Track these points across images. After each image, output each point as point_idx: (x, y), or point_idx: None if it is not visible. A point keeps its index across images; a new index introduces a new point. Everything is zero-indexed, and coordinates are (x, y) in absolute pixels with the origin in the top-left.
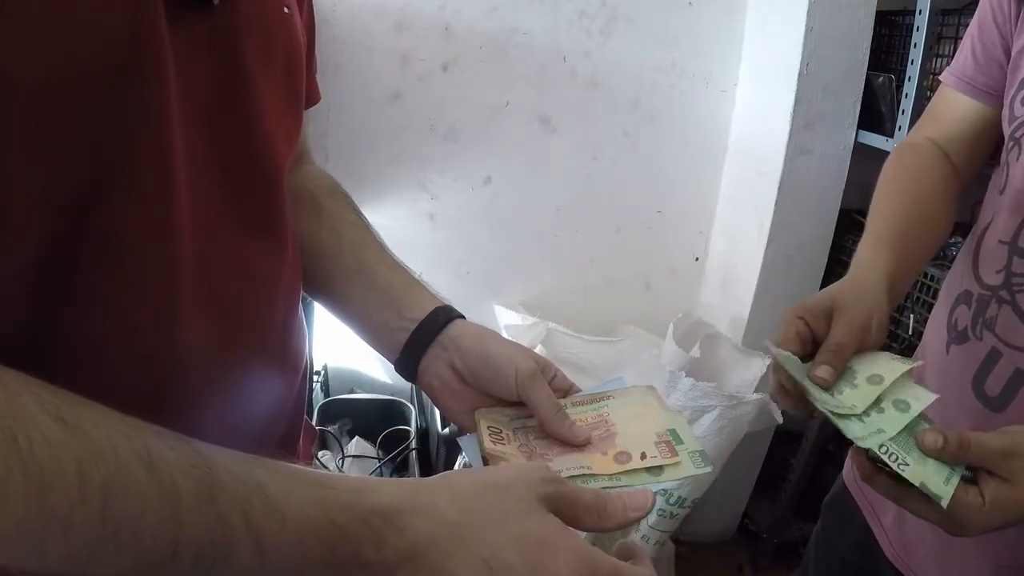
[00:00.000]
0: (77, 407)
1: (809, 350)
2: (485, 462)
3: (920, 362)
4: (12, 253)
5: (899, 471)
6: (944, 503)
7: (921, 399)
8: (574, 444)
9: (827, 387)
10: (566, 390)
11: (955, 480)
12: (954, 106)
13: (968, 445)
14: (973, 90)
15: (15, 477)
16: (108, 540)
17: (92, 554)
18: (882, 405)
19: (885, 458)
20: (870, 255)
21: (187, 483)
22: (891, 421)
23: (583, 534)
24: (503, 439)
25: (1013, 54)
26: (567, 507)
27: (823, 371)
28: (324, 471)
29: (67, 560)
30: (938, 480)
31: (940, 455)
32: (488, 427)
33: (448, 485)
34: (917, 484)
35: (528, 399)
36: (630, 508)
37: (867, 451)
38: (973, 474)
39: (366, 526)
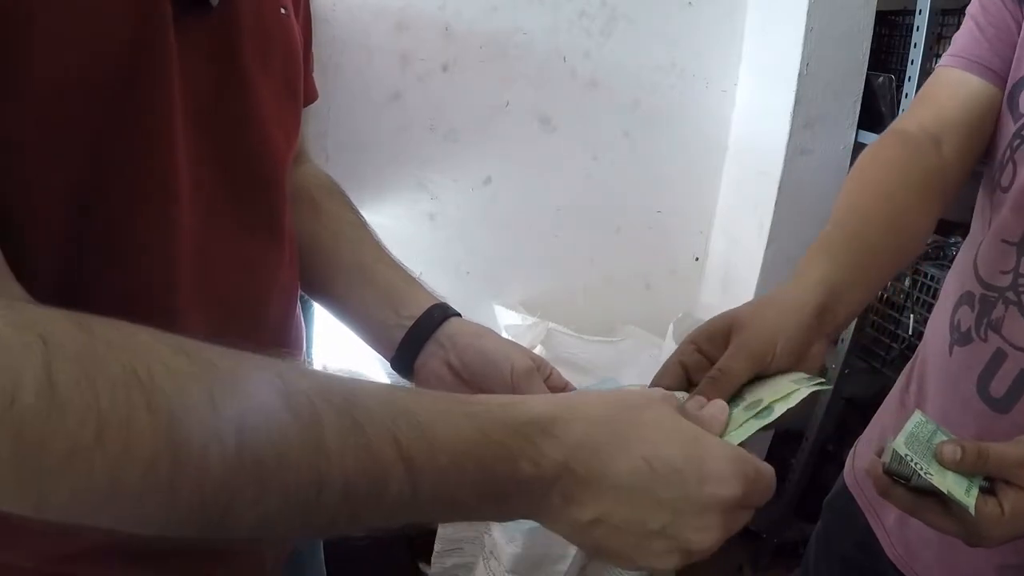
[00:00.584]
0: (196, 343)
1: (698, 381)
2: None
3: (826, 386)
4: (14, 250)
5: (926, 478)
6: (971, 511)
7: (790, 400)
8: None
9: None
10: (561, 389)
11: (975, 491)
12: (957, 85)
13: (987, 456)
14: (983, 70)
15: (139, 413)
16: (247, 479)
17: (231, 497)
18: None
19: (912, 466)
20: (804, 265)
21: (329, 411)
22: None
23: None
24: None
25: (1018, 44)
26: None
27: (691, 403)
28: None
29: (203, 507)
30: (959, 490)
31: (959, 467)
32: None
33: (595, 397)
34: (944, 492)
35: (523, 394)
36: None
37: (884, 464)
38: (991, 484)
39: (524, 439)
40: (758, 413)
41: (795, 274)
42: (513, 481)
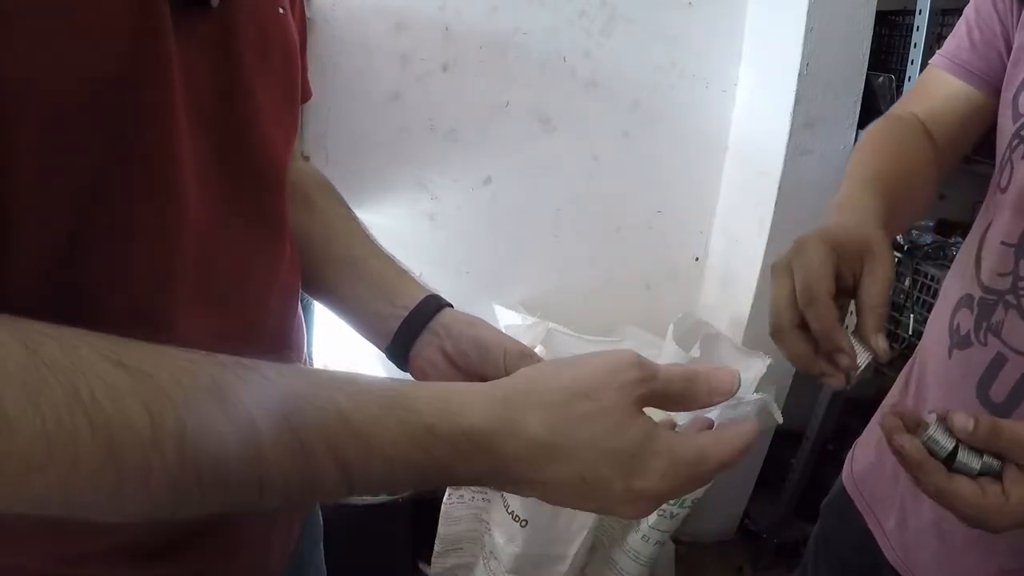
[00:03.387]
0: (136, 350)
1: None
2: None
3: None
4: (15, 252)
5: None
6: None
7: None
8: None
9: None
10: None
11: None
12: (945, 86)
13: (1000, 431)
14: (968, 75)
15: (83, 432)
16: (191, 485)
17: (177, 500)
18: None
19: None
20: (862, 198)
21: (265, 418)
22: None
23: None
24: None
25: (1014, 48)
26: (657, 402)
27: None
28: (404, 382)
29: (153, 509)
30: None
31: (970, 438)
32: None
33: (537, 398)
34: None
35: None
36: (715, 393)
37: (928, 436)
38: (1001, 465)
39: (455, 449)
40: None
41: (852, 204)
42: (444, 478)
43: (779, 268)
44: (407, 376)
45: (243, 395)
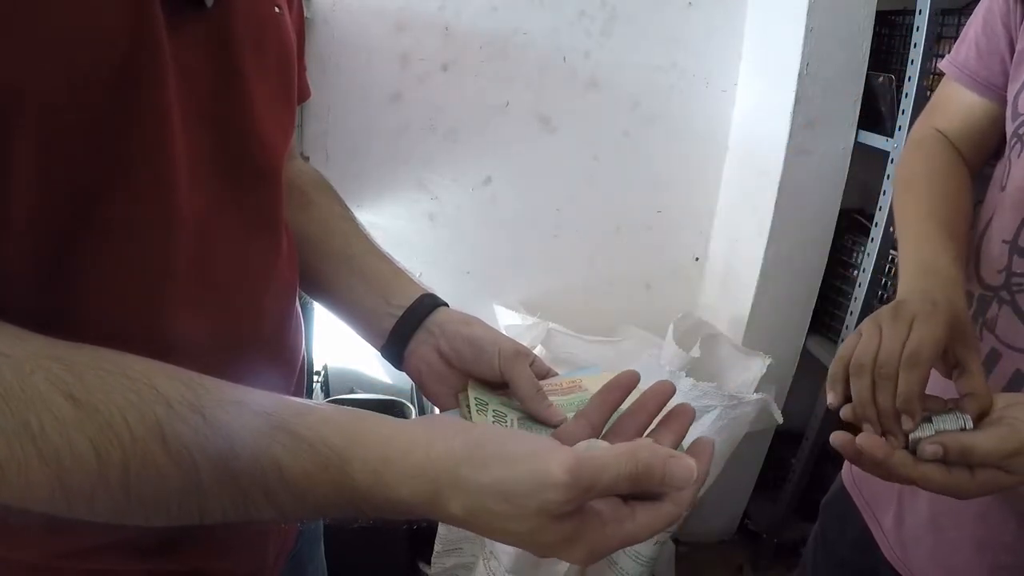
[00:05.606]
0: (88, 378)
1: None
2: None
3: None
4: (13, 253)
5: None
6: None
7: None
8: (550, 423)
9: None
10: (544, 374)
11: None
12: (959, 100)
13: (971, 454)
14: (975, 84)
15: (33, 462)
16: (134, 511)
17: (122, 519)
18: None
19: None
20: (948, 268)
21: (205, 461)
22: None
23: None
24: (487, 413)
25: (1017, 50)
26: (587, 506)
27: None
28: (342, 437)
29: (100, 519)
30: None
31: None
32: (475, 398)
33: (463, 485)
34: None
35: (510, 377)
36: (668, 484)
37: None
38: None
39: (380, 510)
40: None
41: (946, 277)
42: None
43: (905, 315)
44: (404, 375)
45: (185, 437)
